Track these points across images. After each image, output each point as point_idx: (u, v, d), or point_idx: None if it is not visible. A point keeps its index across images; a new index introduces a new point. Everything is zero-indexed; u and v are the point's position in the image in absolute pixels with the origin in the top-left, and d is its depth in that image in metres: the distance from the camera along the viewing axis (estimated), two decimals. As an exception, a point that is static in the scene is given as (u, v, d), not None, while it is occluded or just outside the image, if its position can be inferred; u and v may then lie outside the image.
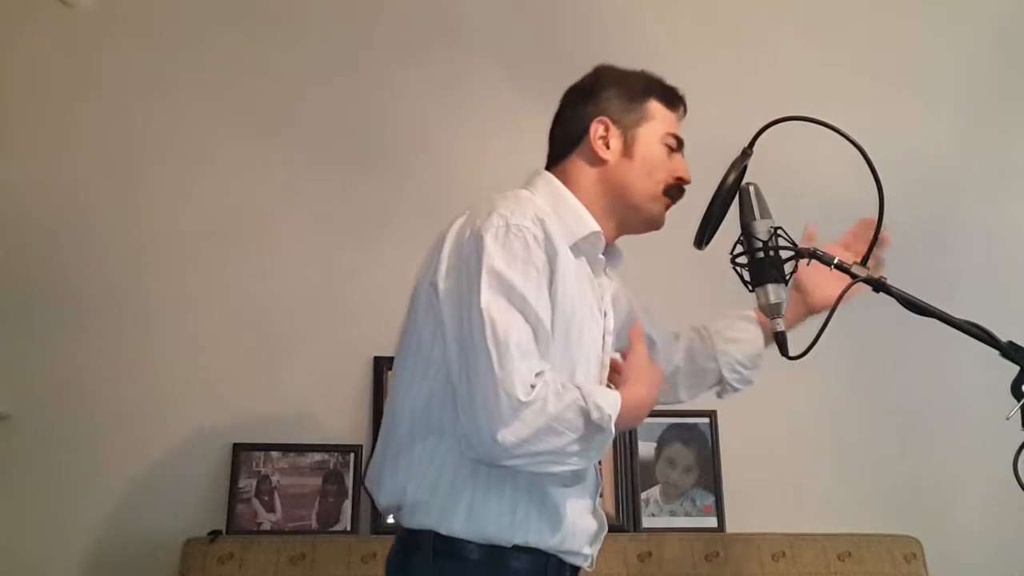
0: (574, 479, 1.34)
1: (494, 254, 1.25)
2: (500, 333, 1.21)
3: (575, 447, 1.23)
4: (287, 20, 2.49)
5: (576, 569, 1.41)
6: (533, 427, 1.19)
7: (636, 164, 1.45)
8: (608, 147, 1.45)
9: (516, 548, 1.30)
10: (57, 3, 2.35)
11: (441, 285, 1.29)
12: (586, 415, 1.22)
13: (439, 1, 2.58)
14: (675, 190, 1.48)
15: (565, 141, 1.48)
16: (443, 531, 1.28)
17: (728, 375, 1.69)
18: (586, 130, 1.45)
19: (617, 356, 1.49)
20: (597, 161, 1.45)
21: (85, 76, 2.36)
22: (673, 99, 1.51)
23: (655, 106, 1.48)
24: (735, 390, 1.73)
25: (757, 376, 1.72)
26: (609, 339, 1.47)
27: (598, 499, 1.43)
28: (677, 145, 1.49)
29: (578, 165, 1.46)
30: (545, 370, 1.24)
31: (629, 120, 1.46)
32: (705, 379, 1.71)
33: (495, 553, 1.29)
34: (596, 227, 1.42)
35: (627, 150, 1.45)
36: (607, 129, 1.45)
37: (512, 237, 1.27)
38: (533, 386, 1.20)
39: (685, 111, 1.53)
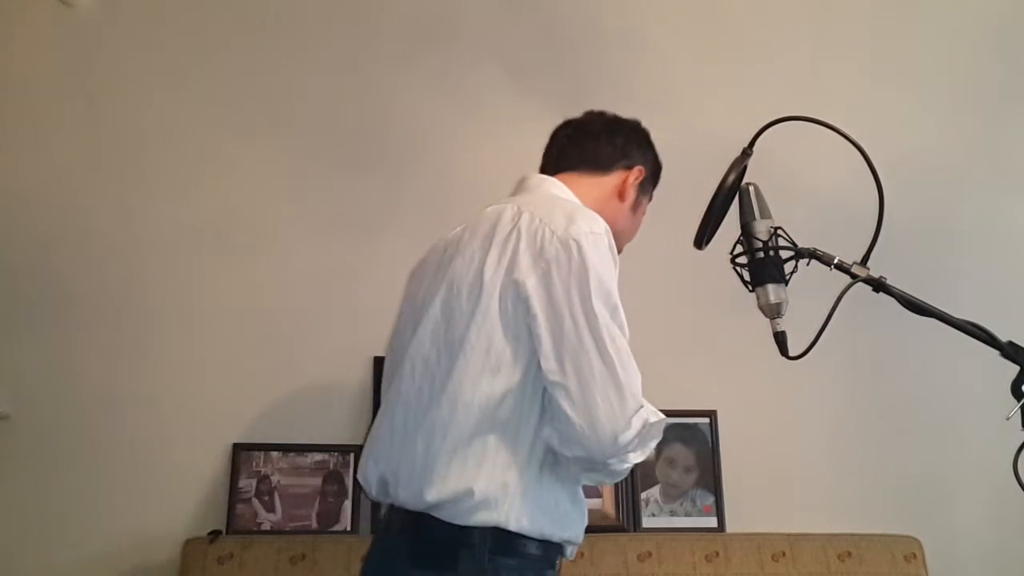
0: (622, 475, 1.38)
1: (595, 261, 1.30)
2: (617, 339, 1.27)
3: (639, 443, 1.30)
4: (287, 20, 2.49)
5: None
6: (636, 429, 1.26)
7: (630, 222, 1.59)
8: (629, 193, 1.56)
9: (564, 542, 1.36)
10: (56, 3, 2.35)
11: (528, 283, 1.30)
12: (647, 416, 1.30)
13: (440, 1, 2.58)
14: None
15: (597, 157, 1.56)
16: (512, 527, 1.29)
17: None
18: (629, 168, 1.57)
19: None
20: (613, 197, 1.55)
21: (84, 76, 2.36)
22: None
23: (652, 193, 1.65)
24: None
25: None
26: None
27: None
28: None
29: (592, 188, 1.53)
30: None
31: (646, 188, 1.61)
32: None
33: (549, 548, 1.33)
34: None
35: (634, 207, 1.59)
36: (638, 180, 1.57)
37: (601, 245, 1.33)
38: None
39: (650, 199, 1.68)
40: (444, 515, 1.29)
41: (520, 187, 1.52)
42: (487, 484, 1.28)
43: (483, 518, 1.28)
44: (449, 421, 1.30)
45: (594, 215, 1.37)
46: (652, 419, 1.30)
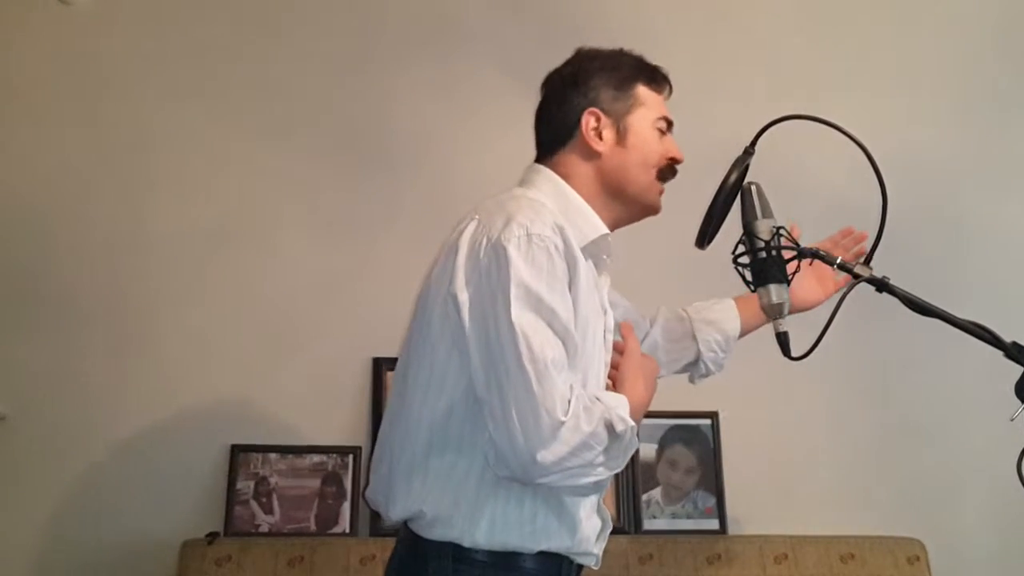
0: (595, 489, 1.34)
1: (519, 266, 1.23)
2: (536, 350, 1.20)
3: (601, 458, 1.24)
4: (287, 20, 2.49)
5: (581, 567, 1.41)
6: (570, 445, 1.19)
7: (631, 152, 1.44)
8: (601, 138, 1.43)
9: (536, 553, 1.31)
10: (55, 2, 2.34)
11: (460, 297, 1.26)
12: (610, 428, 1.24)
13: (441, 2, 2.57)
14: (668, 171, 1.48)
15: (555, 134, 1.46)
16: (466, 544, 1.27)
17: (706, 353, 1.73)
18: (577, 122, 1.43)
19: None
20: (592, 154, 1.43)
21: (83, 75, 2.36)
22: (658, 80, 1.49)
23: (643, 91, 1.47)
24: (707, 373, 1.76)
25: (729, 362, 1.75)
26: (610, 337, 1.46)
27: (600, 497, 1.43)
28: (667, 127, 1.49)
29: (572, 160, 1.45)
30: (574, 383, 1.24)
31: (619, 108, 1.44)
32: (683, 355, 1.74)
33: (513, 558, 1.30)
34: (605, 229, 1.42)
35: (620, 139, 1.44)
36: (599, 120, 1.43)
37: (535, 248, 1.25)
38: (569, 401, 1.20)
39: (671, 90, 1.52)
40: (414, 527, 1.31)
41: (521, 178, 1.48)
42: (437, 504, 1.28)
43: (440, 534, 1.28)
44: (404, 440, 1.32)
45: (536, 213, 1.29)
46: (619, 427, 1.24)
